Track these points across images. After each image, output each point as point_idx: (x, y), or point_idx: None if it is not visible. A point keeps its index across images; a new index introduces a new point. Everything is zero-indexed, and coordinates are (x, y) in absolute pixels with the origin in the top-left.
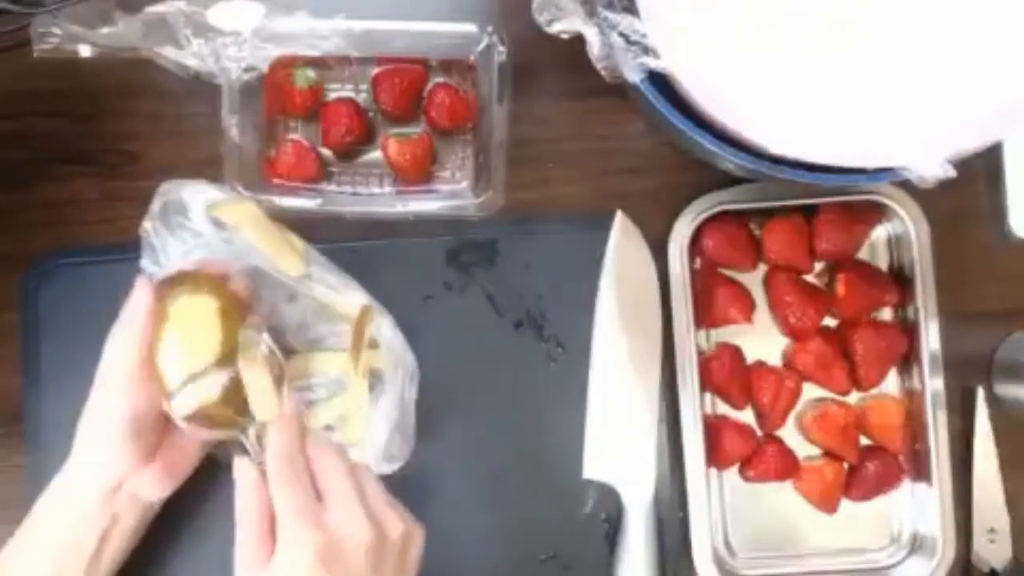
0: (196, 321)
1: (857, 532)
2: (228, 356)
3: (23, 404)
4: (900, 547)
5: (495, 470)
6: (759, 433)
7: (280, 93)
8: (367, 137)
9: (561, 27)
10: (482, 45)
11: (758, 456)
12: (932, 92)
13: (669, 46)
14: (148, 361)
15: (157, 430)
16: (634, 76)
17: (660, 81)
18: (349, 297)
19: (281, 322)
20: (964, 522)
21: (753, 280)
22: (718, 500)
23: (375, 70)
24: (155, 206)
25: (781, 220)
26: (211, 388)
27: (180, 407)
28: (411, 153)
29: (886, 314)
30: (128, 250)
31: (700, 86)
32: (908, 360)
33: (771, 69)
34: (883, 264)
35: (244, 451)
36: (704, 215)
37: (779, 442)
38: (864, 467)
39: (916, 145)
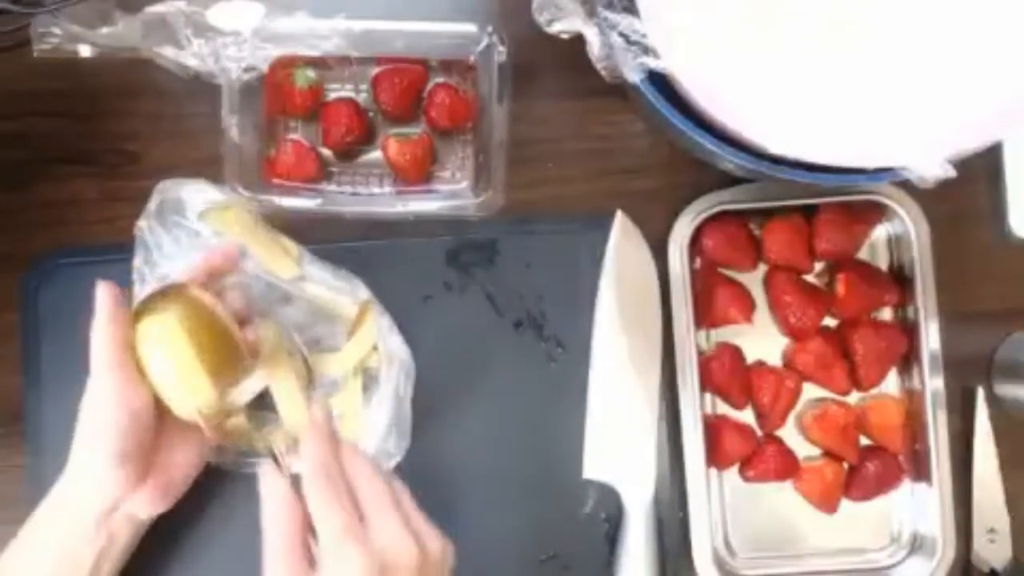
0: (190, 335)
1: (857, 532)
2: (227, 367)
3: (23, 404)
4: (900, 547)
5: (495, 470)
6: (759, 433)
7: (280, 93)
8: (367, 137)
9: (561, 27)
10: (482, 45)
11: (758, 456)
12: (932, 92)
13: (669, 46)
14: (125, 350)
15: (146, 449)
16: (634, 76)
17: (660, 81)
18: (349, 294)
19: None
20: (964, 522)
21: (753, 280)
22: (718, 500)
23: (375, 70)
24: (152, 204)
25: (781, 220)
26: (239, 397)
27: (199, 415)
28: (411, 153)
29: (886, 314)
30: (128, 250)
31: (700, 86)
32: (908, 360)
33: (771, 69)
34: (883, 264)
35: (272, 458)
36: (704, 215)
37: (779, 442)
38: (864, 467)
39: (916, 145)
